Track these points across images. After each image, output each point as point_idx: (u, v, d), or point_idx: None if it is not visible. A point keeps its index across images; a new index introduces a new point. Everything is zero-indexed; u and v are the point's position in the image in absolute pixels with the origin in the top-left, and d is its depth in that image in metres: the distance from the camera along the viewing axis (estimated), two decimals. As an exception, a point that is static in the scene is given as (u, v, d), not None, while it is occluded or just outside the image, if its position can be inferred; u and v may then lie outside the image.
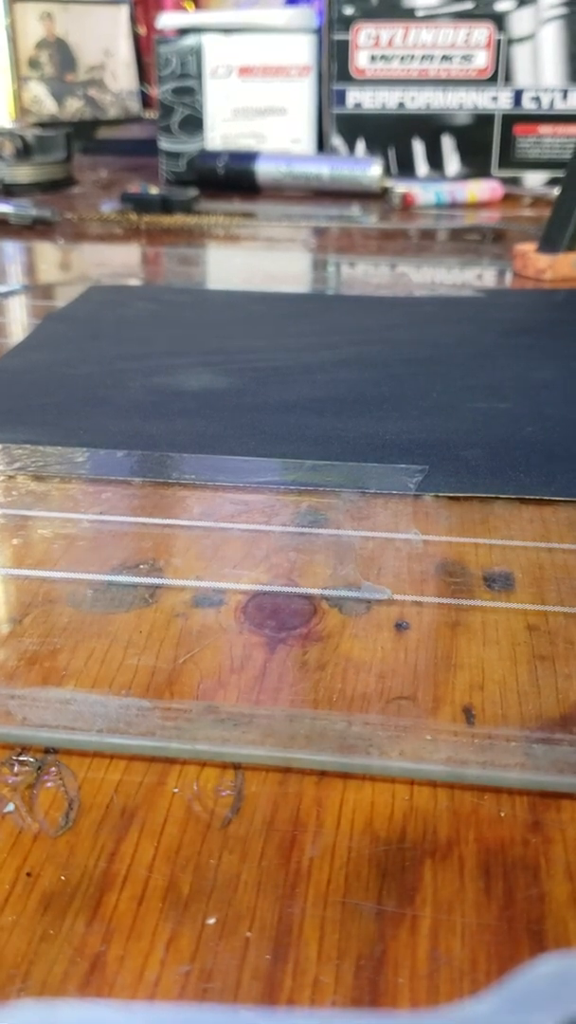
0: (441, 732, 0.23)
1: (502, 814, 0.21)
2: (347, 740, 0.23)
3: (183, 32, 1.08)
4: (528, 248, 0.71)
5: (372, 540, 0.32)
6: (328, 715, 0.24)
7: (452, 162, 1.07)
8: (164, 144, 1.11)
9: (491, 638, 0.27)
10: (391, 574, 0.30)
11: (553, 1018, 0.09)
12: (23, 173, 1.04)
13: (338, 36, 1.05)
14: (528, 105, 1.04)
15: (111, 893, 0.19)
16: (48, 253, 0.81)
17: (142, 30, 1.58)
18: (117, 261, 0.78)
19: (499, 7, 1.01)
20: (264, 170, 1.03)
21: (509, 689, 0.25)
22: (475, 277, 0.72)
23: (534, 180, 1.07)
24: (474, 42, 1.03)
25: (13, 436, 0.40)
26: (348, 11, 1.04)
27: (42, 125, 1.37)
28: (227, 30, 1.08)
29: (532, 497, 0.35)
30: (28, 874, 0.20)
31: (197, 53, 1.08)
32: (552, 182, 1.05)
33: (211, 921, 0.19)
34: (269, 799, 0.21)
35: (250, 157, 1.04)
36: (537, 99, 1.04)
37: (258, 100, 1.09)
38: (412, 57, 1.04)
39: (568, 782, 0.21)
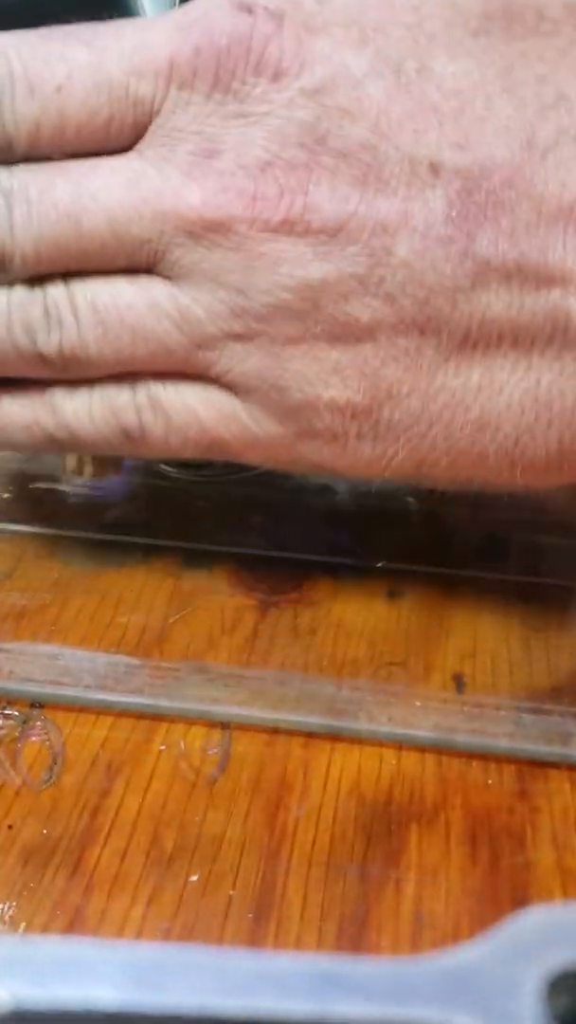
0: (431, 699, 0.23)
1: (489, 781, 0.21)
2: (336, 703, 0.22)
3: None
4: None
5: (368, 507, 0.32)
6: (318, 678, 0.23)
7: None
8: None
9: (484, 608, 0.27)
10: (386, 541, 0.30)
11: (539, 969, 0.09)
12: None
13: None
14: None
15: (93, 848, 0.19)
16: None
17: None
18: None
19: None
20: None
21: (500, 659, 0.24)
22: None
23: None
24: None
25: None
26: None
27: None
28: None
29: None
30: (10, 827, 0.19)
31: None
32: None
33: (194, 878, 0.18)
34: (256, 759, 0.21)
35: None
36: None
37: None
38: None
39: (556, 752, 0.21)
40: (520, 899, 0.18)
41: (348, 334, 0.21)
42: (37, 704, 0.23)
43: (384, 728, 0.22)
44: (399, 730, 0.22)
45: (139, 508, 0.31)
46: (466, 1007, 0.09)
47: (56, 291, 0.22)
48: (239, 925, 0.17)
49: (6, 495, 0.32)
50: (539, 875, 0.19)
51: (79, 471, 0.28)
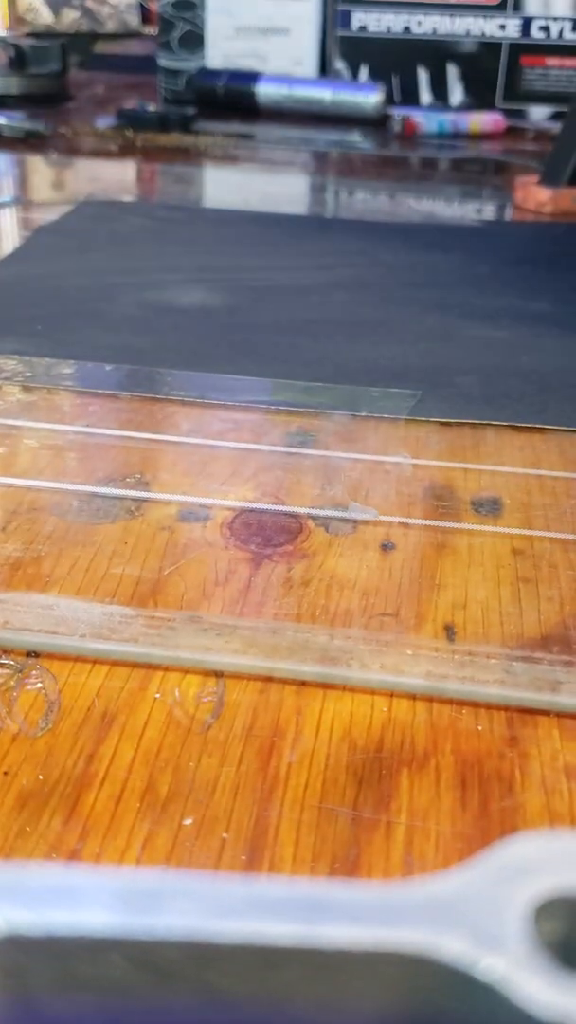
0: (422, 647, 0.23)
1: (479, 728, 0.21)
2: (328, 652, 0.23)
3: (185, -57, 1.05)
4: (530, 181, 0.69)
5: (361, 462, 0.32)
6: (310, 628, 0.24)
7: (456, 92, 1.05)
8: (163, 61, 1.08)
9: (476, 560, 0.27)
10: (379, 496, 0.30)
11: (527, 893, 0.09)
12: (16, 84, 1.01)
13: (345, -46, 1.01)
14: (536, 34, 1.02)
15: (89, 793, 0.19)
16: (40, 167, 0.79)
17: None
18: (111, 177, 0.77)
19: None
20: (264, 92, 1.01)
21: (491, 609, 0.25)
22: (475, 207, 0.71)
23: (539, 114, 1.05)
24: (485, -34, 1.00)
25: (1, 346, 0.40)
26: None
27: (37, 35, 1.33)
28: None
29: (524, 425, 0.35)
30: (5, 773, 0.20)
31: (199, -34, 1.04)
32: (557, 116, 1.02)
33: (188, 822, 0.19)
34: (249, 706, 0.21)
35: (251, 78, 1.02)
36: (546, 28, 1.01)
37: (261, 18, 1.06)
38: (420, -21, 1.01)
39: (546, 699, 0.21)
40: (509, 841, 0.18)
41: None
42: (33, 653, 0.23)
43: (376, 676, 0.22)
44: (391, 678, 0.22)
45: (132, 461, 0.31)
46: (453, 930, 0.09)
47: None
48: (232, 866, 0.18)
49: (2, 450, 0.32)
50: (528, 818, 0.19)
51: None
